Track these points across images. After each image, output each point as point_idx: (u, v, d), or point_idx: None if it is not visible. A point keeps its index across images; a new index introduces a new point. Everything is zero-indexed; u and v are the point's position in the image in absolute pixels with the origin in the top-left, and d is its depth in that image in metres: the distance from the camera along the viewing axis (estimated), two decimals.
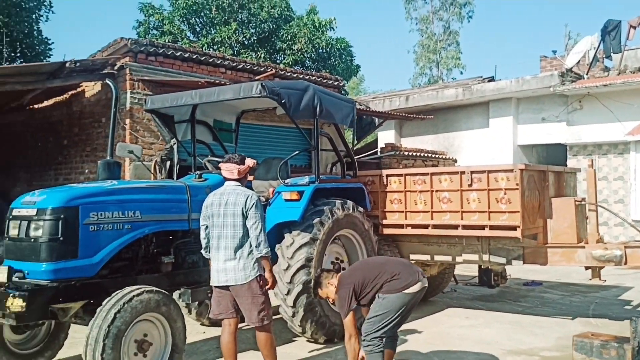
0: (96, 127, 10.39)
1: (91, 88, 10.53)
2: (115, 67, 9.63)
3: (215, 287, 4.81)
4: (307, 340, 6.21)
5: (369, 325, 4.48)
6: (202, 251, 4.95)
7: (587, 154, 14.90)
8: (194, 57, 10.56)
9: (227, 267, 4.67)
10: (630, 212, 13.85)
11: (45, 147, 11.88)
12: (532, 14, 66.94)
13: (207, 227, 4.82)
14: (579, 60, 15.52)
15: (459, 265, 10.03)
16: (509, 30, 69.21)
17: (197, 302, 6.81)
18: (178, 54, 10.28)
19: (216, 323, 7.14)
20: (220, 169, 4.99)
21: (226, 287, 4.73)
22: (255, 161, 5.08)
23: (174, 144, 7.90)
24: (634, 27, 14.94)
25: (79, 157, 10.83)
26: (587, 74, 15.35)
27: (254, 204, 4.64)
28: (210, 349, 6.19)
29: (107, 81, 9.31)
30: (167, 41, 16.65)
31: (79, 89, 10.76)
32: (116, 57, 9.73)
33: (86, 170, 10.59)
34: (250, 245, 4.63)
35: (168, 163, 9.31)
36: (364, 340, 4.49)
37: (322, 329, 6.07)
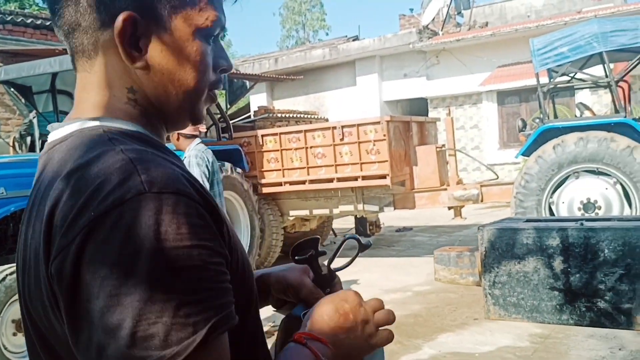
0: None
1: None
2: None
3: None
4: None
5: None
6: None
7: (446, 105, 15.97)
8: (48, 24, 9.88)
9: None
10: (484, 157, 15.13)
11: None
12: None
13: None
14: (434, 18, 16.45)
15: (337, 219, 10.53)
16: None
17: None
18: (29, 21, 9.58)
19: None
20: None
21: None
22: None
23: (34, 117, 7.47)
24: None
25: None
26: (441, 31, 16.33)
27: None
28: None
29: None
30: (14, 8, 15.33)
31: None
32: None
33: None
34: None
35: (29, 139, 8.77)
36: None
37: None
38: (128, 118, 0.82)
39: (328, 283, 0.99)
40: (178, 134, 4.59)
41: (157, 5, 0.79)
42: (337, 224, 11.02)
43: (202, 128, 4.79)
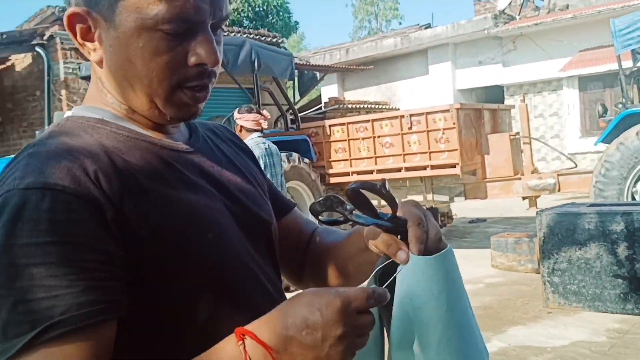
0: (30, 101, 10.08)
1: (21, 61, 10.16)
2: (45, 37, 9.31)
3: None
4: None
5: None
6: None
7: (523, 93, 15.40)
8: None
9: None
10: (565, 146, 14.49)
11: None
12: None
13: None
14: (511, 2, 15.88)
15: None
16: None
17: None
18: None
19: None
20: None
21: None
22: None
23: None
24: None
25: (16, 134, 10.52)
26: (518, 15, 15.74)
27: None
28: None
29: (37, 49, 9.01)
30: None
31: (8, 63, 10.37)
32: (45, 27, 9.40)
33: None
34: None
35: None
36: None
37: None
38: (105, 106, 0.84)
39: (395, 232, 0.84)
40: (241, 126, 4.74)
41: (101, 1, 0.77)
42: None
43: (264, 124, 4.89)
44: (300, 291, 0.73)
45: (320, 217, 0.84)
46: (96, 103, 0.85)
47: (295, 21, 22.03)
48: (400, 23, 37.19)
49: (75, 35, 0.80)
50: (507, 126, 8.17)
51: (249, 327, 0.70)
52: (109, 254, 0.70)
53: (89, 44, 0.81)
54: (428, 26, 17.63)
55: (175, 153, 0.85)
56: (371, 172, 7.22)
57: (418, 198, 7.40)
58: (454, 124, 6.66)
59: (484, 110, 7.43)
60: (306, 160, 6.88)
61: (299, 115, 13.26)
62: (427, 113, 6.86)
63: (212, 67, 0.80)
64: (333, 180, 7.49)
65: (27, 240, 0.66)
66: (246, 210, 0.90)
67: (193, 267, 0.77)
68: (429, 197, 7.30)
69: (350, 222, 0.83)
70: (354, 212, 0.82)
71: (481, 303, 5.45)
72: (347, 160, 7.35)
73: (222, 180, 0.89)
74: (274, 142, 6.55)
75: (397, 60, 17.31)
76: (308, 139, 7.18)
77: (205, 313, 0.78)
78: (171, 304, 0.76)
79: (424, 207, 0.86)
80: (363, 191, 0.79)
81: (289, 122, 7.33)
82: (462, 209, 10.98)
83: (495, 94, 16.28)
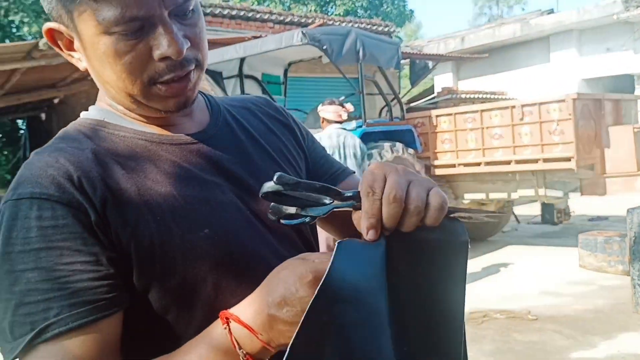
0: None
1: None
2: None
3: None
4: None
5: None
6: None
7: None
8: (242, 14, 10.70)
9: None
10: None
11: None
12: None
13: None
14: None
15: (522, 205, 9.92)
16: None
17: None
18: (225, 12, 10.46)
19: None
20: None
21: None
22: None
23: None
24: None
25: None
26: None
27: None
28: None
29: None
30: (219, 2, 16.84)
31: None
32: None
33: None
34: None
35: None
36: None
37: None
38: (107, 106, 0.88)
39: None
40: (322, 118, 4.97)
41: (63, 14, 0.78)
42: (521, 210, 10.43)
43: (344, 116, 5.05)
44: (281, 264, 0.72)
45: (282, 222, 0.74)
46: (101, 103, 0.89)
47: (411, 10, 21.71)
48: (522, 9, 35.54)
49: (61, 49, 0.83)
50: (631, 118, 7.55)
51: (234, 309, 0.72)
52: (96, 255, 0.74)
53: (75, 54, 0.83)
54: (551, 12, 16.66)
55: (176, 147, 0.85)
56: (478, 164, 6.98)
57: (529, 192, 7.06)
58: (569, 115, 6.26)
59: (605, 100, 6.91)
60: (410, 150, 6.78)
61: (411, 104, 13.10)
62: (541, 103, 6.50)
63: (176, 58, 0.77)
64: (438, 172, 7.32)
65: (21, 248, 0.72)
66: (258, 197, 0.87)
67: (184, 265, 0.78)
68: (541, 191, 6.93)
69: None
70: (305, 209, 0.73)
71: (593, 306, 5.12)
72: (453, 151, 7.15)
73: (233, 169, 0.88)
74: (379, 132, 6.54)
75: (516, 48, 16.51)
76: (413, 129, 7.06)
77: (205, 307, 0.79)
78: (166, 299, 0.78)
79: (396, 165, 0.72)
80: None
81: (397, 112, 7.25)
82: (583, 205, 10.32)
83: (625, 83, 15.08)
